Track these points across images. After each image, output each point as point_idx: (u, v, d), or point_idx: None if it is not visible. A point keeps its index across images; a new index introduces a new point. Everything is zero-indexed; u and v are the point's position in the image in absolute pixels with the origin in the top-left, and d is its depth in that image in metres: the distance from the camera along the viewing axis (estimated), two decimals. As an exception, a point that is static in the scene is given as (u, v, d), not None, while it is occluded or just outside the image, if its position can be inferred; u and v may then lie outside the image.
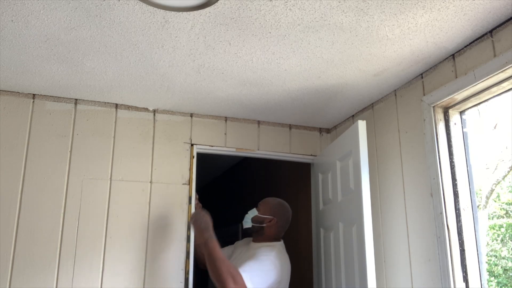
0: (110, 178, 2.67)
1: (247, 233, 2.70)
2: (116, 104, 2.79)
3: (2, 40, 2.02)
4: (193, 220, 2.42)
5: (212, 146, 2.95)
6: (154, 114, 2.87)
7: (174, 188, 2.78)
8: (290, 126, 3.18)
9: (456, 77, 2.11)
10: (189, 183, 2.81)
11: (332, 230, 2.65)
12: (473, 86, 2.01)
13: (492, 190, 7.40)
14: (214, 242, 2.28)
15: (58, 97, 2.67)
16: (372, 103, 2.76)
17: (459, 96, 2.12)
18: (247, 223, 2.60)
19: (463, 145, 2.21)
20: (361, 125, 2.35)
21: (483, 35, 1.97)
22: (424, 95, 2.31)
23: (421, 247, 2.24)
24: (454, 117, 2.24)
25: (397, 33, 1.95)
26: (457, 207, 2.13)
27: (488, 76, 1.92)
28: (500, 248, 7.19)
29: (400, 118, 2.50)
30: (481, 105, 2.17)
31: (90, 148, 2.67)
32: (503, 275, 6.91)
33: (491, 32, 1.93)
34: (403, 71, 2.33)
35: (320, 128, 3.24)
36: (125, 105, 2.81)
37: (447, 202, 2.13)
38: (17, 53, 2.14)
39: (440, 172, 2.16)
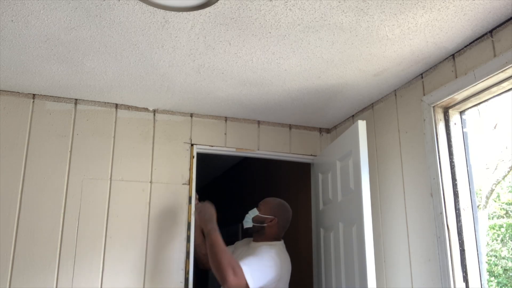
0: (110, 178, 2.67)
1: (247, 233, 2.70)
2: (116, 104, 2.79)
3: (2, 40, 2.02)
4: (198, 211, 2.47)
5: (212, 146, 2.95)
6: (154, 114, 2.87)
7: (174, 188, 2.78)
8: (290, 126, 3.18)
9: (456, 77, 2.11)
10: (189, 183, 2.81)
11: (332, 230, 2.65)
12: (473, 86, 2.01)
13: (492, 190, 7.40)
14: (216, 233, 2.33)
15: (58, 97, 2.67)
16: (372, 103, 2.76)
17: (459, 96, 2.12)
18: (248, 222, 2.61)
19: (463, 145, 2.21)
20: (361, 125, 2.35)
21: (483, 35, 1.97)
22: (424, 95, 2.31)
23: (421, 247, 2.24)
24: (454, 117, 2.24)
25: (397, 33, 1.95)
26: (457, 207, 2.13)
27: (488, 76, 1.92)
28: (500, 248, 7.19)
29: (400, 118, 2.50)
30: (481, 105, 2.17)
31: (90, 148, 2.67)
32: (503, 275, 6.91)
33: (491, 32, 1.93)
34: (403, 71, 2.33)
35: (320, 128, 3.24)
36: (125, 105, 2.81)
37: (447, 202, 2.13)
38: (17, 53, 2.14)
39: (440, 172, 2.16)
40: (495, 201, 7.57)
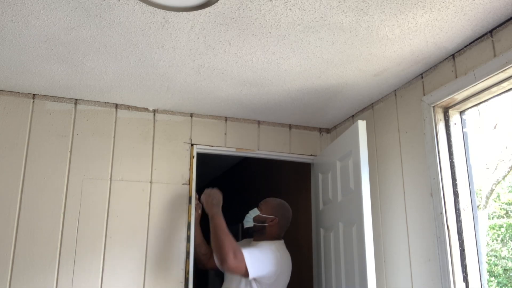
0: (110, 178, 2.67)
1: (247, 233, 2.71)
2: (116, 104, 2.79)
3: (2, 40, 2.02)
4: (207, 194, 2.54)
5: (212, 146, 2.95)
6: (154, 114, 2.87)
7: (174, 188, 2.78)
8: (290, 126, 3.18)
9: (456, 77, 2.11)
10: (189, 183, 2.81)
11: (332, 230, 2.65)
12: (473, 86, 2.01)
13: (492, 190, 7.40)
14: (221, 218, 2.41)
15: (58, 97, 2.67)
16: (372, 103, 2.76)
17: (459, 96, 2.12)
18: (249, 222, 2.63)
19: (463, 145, 2.21)
20: (361, 125, 2.35)
21: (483, 35, 1.97)
22: (424, 95, 2.31)
23: (421, 247, 2.24)
24: (454, 117, 2.24)
25: (397, 33, 1.95)
26: (457, 207, 2.13)
27: (488, 76, 1.92)
28: (500, 248, 7.19)
29: (400, 118, 2.50)
30: (481, 105, 2.17)
31: (90, 148, 2.67)
32: (503, 275, 6.90)
33: (491, 32, 1.93)
34: (403, 71, 2.33)
35: (320, 128, 3.24)
36: (125, 105, 2.81)
37: (447, 202, 2.13)
38: (17, 53, 2.14)
39: (440, 172, 2.16)
40: (495, 201, 7.57)
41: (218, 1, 1.70)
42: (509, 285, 6.74)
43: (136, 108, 2.83)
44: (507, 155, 7.28)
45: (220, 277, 3.59)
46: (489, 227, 7.38)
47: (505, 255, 7.10)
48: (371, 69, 2.29)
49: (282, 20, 1.84)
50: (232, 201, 5.04)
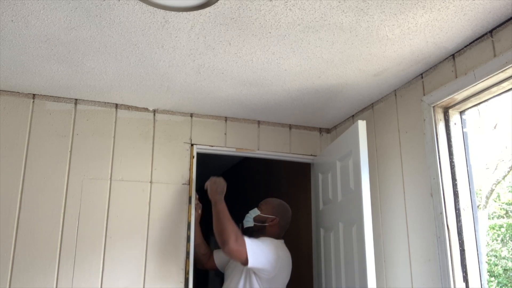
0: (110, 178, 2.67)
1: (247, 233, 2.70)
2: (116, 104, 2.79)
3: (2, 40, 2.02)
4: (212, 181, 2.59)
5: (212, 146, 2.95)
6: (154, 114, 2.87)
7: (174, 188, 2.78)
8: (290, 126, 3.18)
9: (456, 77, 2.11)
10: (189, 183, 2.81)
11: (332, 230, 2.65)
12: (473, 86, 2.01)
13: (492, 190, 7.40)
14: (224, 204, 2.47)
15: (58, 97, 2.67)
16: (372, 103, 2.76)
17: (459, 96, 2.12)
18: (249, 222, 2.65)
19: (463, 145, 2.21)
20: (361, 125, 2.35)
21: (483, 35, 1.97)
22: (424, 95, 2.31)
23: (421, 247, 2.24)
24: (454, 117, 2.24)
25: (397, 33, 1.95)
26: (457, 207, 2.13)
27: (488, 76, 1.92)
28: (500, 248, 7.19)
29: (400, 118, 2.50)
30: (481, 105, 2.17)
31: (90, 148, 2.67)
32: (503, 275, 6.90)
33: (491, 32, 1.93)
34: (403, 71, 2.33)
35: (320, 128, 3.24)
36: (125, 105, 2.81)
37: (447, 202, 2.13)
38: (17, 53, 2.14)
39: (440, 172, 2.16)
40: (495, 201, 7.57)
41: (218, 1, 1.70)
42: (509, 285, 6.74)
43: (136, 108, 2.83)
44: (507, 155, 7.28)
45: (220, 277, 3.59)
46: (489, 227, 7.38)
47: (505, 255, 7.10)
48: (371, 69, 2.29)
49: (282, 20, 1.84)
50: (232, 201, 5.04)
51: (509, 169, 7.26)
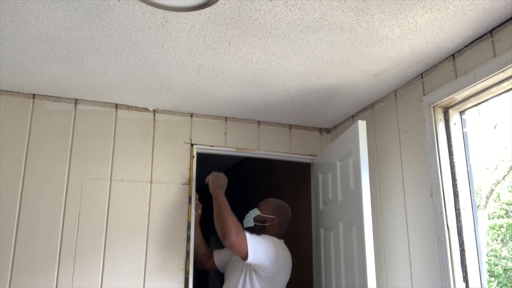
0: (110, 178, 2.67)
1: (247, 233, 2.71)
2: (116, 104, 2.79)
3: (2, 40, 2.02)
4: (214, 175, 2.62)
5: (212, 146, 2.95)
6: (154, 114, 2.87)
7: (174, 188, 2.78)
8: (290, 126, 3.18)
9: (456, 77, 2.11)
10: (189, 183, 2.81)
11: (332, 230, 2.65)
12: (473, 86, 2.01)
13: (492, 190, 7.40)
14: (225, 198, 2.50)
15: (58, 97, 2.67)
16: (372, 103, 2.76)
17: (459, 96, 2.12)
18: (249, 222, 2.65)
19: (463, 145, 2.21)
20: (361, 125, 2.35)
21: (483, 35, 1.97)
22: (424, 95, 2.31)
23: (421, 247, 2.24)
24: (454, 117, 2.24)
25: (397, 33, 1.95)
26: (457, 207, 2.13)
27: (488, 76, 1.92)
28: (500, 248, 7.18)
29: (400, 118, 2.50)
30: (481, 105, 2.17)
31: (90, 148, 2.67)
32: (503, 275, 6.90)
33: (491, 32, 1.93)
34: (403, 71, 2.33)
35: (320, 128, 3.24)
36: (125, 105, 2.81)
37: (447, 202, 2.13)
38: (17, 53, 2.14)
39: (440, 172, 2.16)
40: (495, 201, 7.57)
41: (218, 1, 1.70)
42: (509, 285, 6.74)
43: (136, 108, 2.83)
44: (507, 155, 7.28)
45: (220, 277, 3.59)
46: (489, 227, 7.38)
47: (505, 255, 7.10)
48: (371, 69, 2.29)
49: (282, 20, 1.84)
50: (232, 201, 5.04)
51: (509, 169, 7.26)
